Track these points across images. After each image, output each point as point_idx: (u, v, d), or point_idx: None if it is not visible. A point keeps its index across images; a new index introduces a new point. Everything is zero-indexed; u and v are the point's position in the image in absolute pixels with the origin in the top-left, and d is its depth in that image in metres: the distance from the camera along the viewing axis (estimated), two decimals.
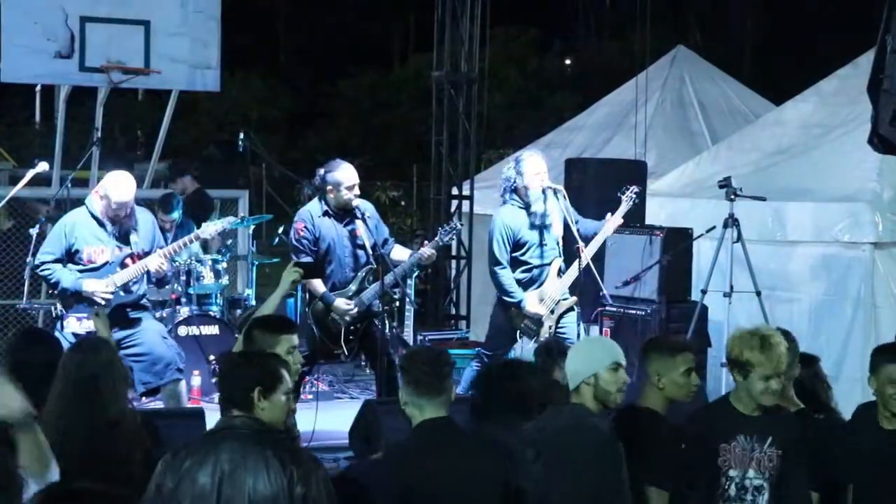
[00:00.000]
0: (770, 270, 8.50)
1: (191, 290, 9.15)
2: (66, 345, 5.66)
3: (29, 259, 8.48)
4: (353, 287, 7.64)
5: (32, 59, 9.78)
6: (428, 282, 12.04)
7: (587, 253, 7.74)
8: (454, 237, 8.32)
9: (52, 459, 3.55)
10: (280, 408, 3.95)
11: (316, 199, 7.72)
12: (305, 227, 7.61)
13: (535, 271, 7.82)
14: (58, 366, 4.68)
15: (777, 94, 12.39)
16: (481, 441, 4.35)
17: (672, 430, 4.79)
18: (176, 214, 9.28)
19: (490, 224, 8.01)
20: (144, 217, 7.50)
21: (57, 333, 6.86)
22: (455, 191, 11.99)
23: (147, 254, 7.34)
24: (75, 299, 7.22)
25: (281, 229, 9.81)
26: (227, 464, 3.75)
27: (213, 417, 6.18)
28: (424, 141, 14.25)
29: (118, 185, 7.24)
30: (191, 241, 7.82)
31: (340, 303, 7.58)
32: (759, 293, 7.88)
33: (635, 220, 8.57)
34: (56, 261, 7.26)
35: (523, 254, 7.80)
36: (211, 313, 9.17)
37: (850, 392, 6.74)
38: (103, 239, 7.29)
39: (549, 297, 7.77)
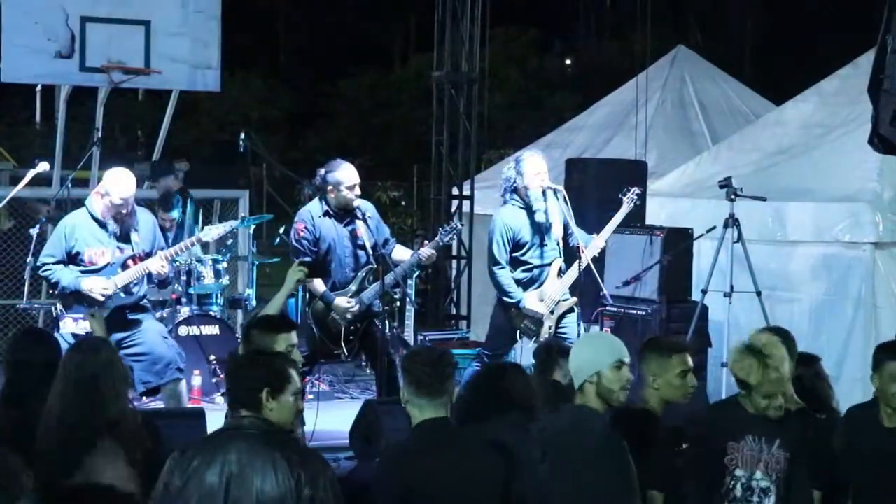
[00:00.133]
0: (770, 270, 8.50)
1: (191, 290, 9.14)
2: (64, 345, 5.66)
3: (29, 259, 8.49)
4: (353, 287, 7.63)
5: (33, 59, 9.77)
6: (428, 282, 12.04)
7: (587, 253, 7.73)
8: (454, 237, 8.32)
9: None
10: (288, 408, 3.94)
11: (316, 199, 7.72)
12: (306, 227, 7.61)
13: (536, 271, 7.82)
14: (58, 366, 4.69)
15: (777, 94, 12.39)
16: (480, 441, 4.34)
17: (668, 431, 4.78)
18: (176, 213, 9.29)
19: (490, 224, 8.01)
20: (145, 217, 7.51)
21: (56, 334, 6.86)
22: (455, 191, 11.99)
23: (148, 254, 7.34)
24: (75, 299, 7.22)
25: (282, 229, 9.81)
26: (236, 464, 3.75)
27: (213, 417, 6.22)
28: (425, 141, 14.24)
29: (119, 182, 7.24)
30: (192, 245, 7.82)
31: (341, 302, 7.58)
32: (759, 293, 7.89)
33: (636, 220, 8.57)
34: (57, 262, 7.26)
35: (523, 254, 7.80)
36: (211, 313, 9.17)
37: (850, 392, 6.73)
38: (104, 240, 7.29)
39: (549, 298, 7.76)
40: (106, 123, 10.96)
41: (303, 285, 7.89)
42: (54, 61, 9.79)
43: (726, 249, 7.96)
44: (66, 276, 7.21)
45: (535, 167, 7.78)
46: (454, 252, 11.90)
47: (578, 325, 7.75)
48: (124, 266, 7.30)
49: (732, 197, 7.95)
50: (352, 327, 7.65)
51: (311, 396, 7.85)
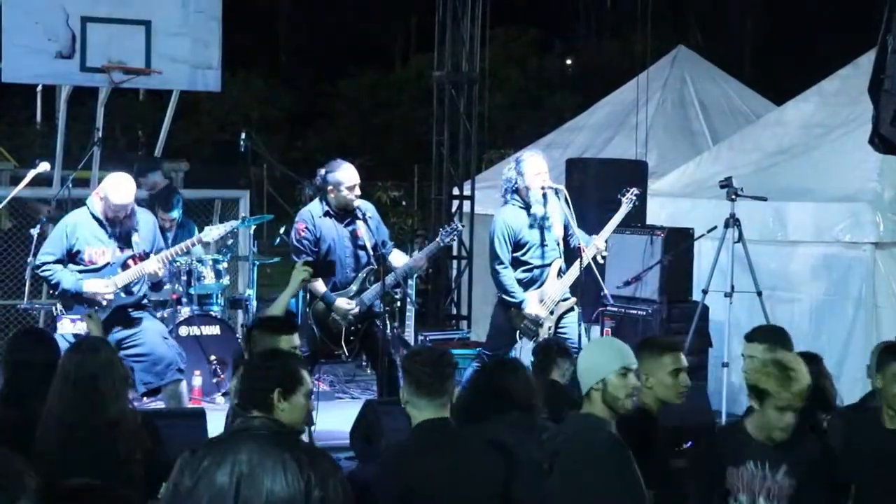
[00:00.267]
0: (771, 270, 8.51)
1: (192, 291, 9.14)
2: (64, 345, 5.66)
3: (30, 259, 8.48)
4: (353, 287, 7.63)
5: (33, 60, 9.76)
6: (429, 282, 12.04)
7: (588, 254, 7.73)
8: (455, 238, 8.32)
9: None
10: (300, 409, 3.93)
11: (317, 200, 7.72)
12: (306, 227, 7.61)
13: (536, 271, 7.81)
14: (57, 366, 4.69)
15: (778, 94, 12.39)
16: (480, 441, 4.34)
17: (665, 432, 4.76)
18: (176, 213, 9.28)
19: (491, 224, 8.01)
20: (145, 218, 7.51)
21: (56, 334, 6.87)
22: (456, 191, 11.99)
23: (148, 255, 7.35)
24: (76, 300, 7.23)
25: (282, 229, 9.80)
26: (246, 465, 3.75)
27: (213, 417, 6.22)
28: (425, 141, 14.23)
29: (118, 188, 7.25)
30: (193, 245, 7.82)
31: (342, 303, 7.58)
32: (760, 293, 7.89)
33: (636, 220, 8.57)
34: (57, 261, 7.26)
35: (524, 254, 7.80)
36: (212, 313, 9.16)
37: (851, 392, 6.72)
38: (104, 240, 7.30)
39: (549, 298, 7.76)
40: (106, 123, 10.95)
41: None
42: (55, 61, 9.78)
43: (727, 249, 7.96)
44: (68, 278, 7.21)
45: (536, 167, 7.78)
46: (455, 252, 11.90)
47: (579, 325, 7.75)
48: (125, 266, 7.30)
49: (733, 197, 7.95)
50: (352, 328, 7.65)
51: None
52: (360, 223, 7.56)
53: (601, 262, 7.93)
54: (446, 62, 11.90)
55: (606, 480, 4.19)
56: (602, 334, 8.46)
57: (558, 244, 7.86)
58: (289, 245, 7.96)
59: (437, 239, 7.83)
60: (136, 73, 9.96)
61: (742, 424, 4.50)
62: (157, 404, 7.80)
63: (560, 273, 7.83)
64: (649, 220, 9.00)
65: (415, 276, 9.93)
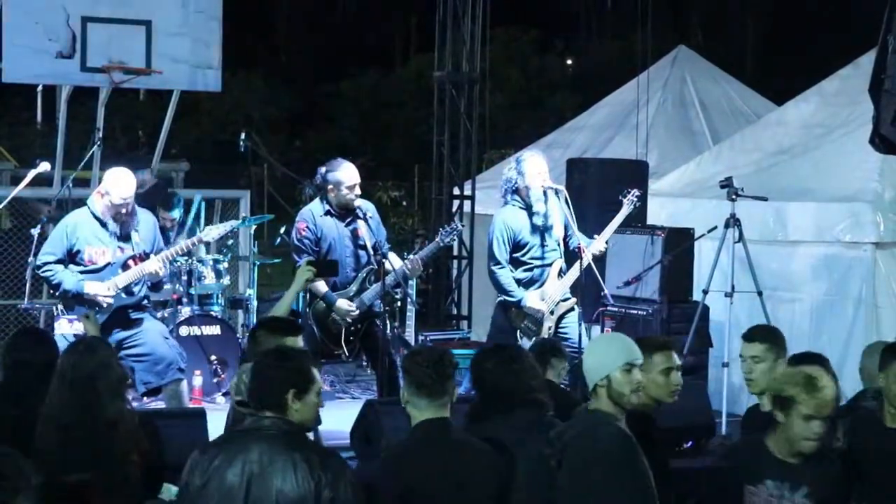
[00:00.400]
0: (771, 270, 8.51)
1: (192, 291, 9.14)
2: (63, 345, 5.65)
3: (30, 259, 8.48)
4: (354, 287, 7.64)
5: (34, 60, 9.76)
6: (429, 282, 12.04)
7: (588, 254, 7.73)
8: (455, 238, 8.32)
9: None
10: (312, 408, 3.95)
11: (317, 199, 7.72)
12: (307, 226, 7.61)
13: (536, 271, 7.81)
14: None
15: (778, 95, 12.39)
16: (480, 441, 4.34)
17: (663, 432, 4.74)
18: (177, 212, 9.28)
19: (490, 224, 8.00)
20: (146, 218, 7.51)
21: (55, 334, 6.87)
22: (456, 191, 11.99)
23: (148, 255, 7.35)
24: (76, 301, 7.23)
25: (283, 229, 9.81)
26: (257, 464, 3.76)
27: (214, 417, 6.21)
28: (426, 141, 14.22)
29: (119, 182, 7.25)
30: (193, 245, 7.82)
31: (342, 303, 7.58)
32: (760, 293, 7.89)
33: (637, 220, 8.56)
34: (57, 261, 7.26)
35: (524, 254, 7.79)
36: (212, 313, 9.17)
37: (851, 392, 6.71)
38: (105, 240, 7.30)
39: (549, 298, 7.76)
40: (107, 123, 10.94)
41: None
42: (55, 61, 9.78)
43: (727, 249, 7.96)
44: (69, 279, 7.21)
45: (536, 167, 7.78)
46: (455, 252, 11.90)
47: (579, 325, 7.75)
48: (125, 266, 7.30)
49: (733, 197, 7.95)
50: (352, 328, 7.65)
51: None
52: (360, 223, 7.56)
53: (598, 255, 7.88)
54: (447, 62, 11.90)
55: (615, 475, 4.17)
56: (602, 334, 8.45)
57: (558, 244, 7.86)
58: (289, 245, 7.96)
59: (437, 239, 7.82)
60: (137, 73, 9.96)
61: (763, 440, 4.40)
62: (158, 404, 7.80)
63: (560, 273, 7.83)
64: (650, 220, 9.00)
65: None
